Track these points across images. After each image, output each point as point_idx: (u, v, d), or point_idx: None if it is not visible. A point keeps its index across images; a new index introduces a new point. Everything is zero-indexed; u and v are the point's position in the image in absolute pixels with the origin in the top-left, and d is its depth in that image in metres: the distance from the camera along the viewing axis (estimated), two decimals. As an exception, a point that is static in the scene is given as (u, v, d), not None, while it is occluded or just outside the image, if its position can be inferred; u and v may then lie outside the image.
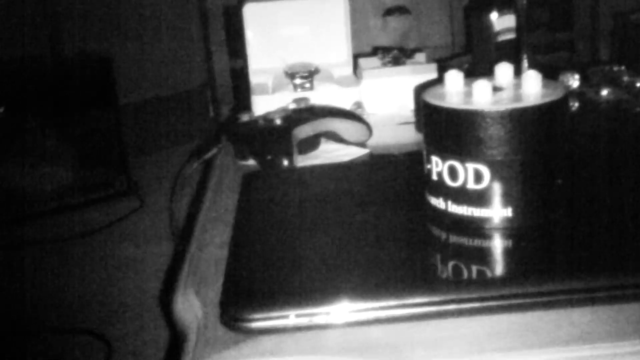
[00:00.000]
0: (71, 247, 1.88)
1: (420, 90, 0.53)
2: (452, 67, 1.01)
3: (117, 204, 2.13)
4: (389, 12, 2.24)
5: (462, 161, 0.49)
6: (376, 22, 2.22)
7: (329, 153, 0.81)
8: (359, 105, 0.94)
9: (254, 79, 0.99)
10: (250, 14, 1.01)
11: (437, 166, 0.51)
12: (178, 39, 2.53)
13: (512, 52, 0.77)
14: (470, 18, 0.75)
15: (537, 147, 0.49)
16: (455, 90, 0.52)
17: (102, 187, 2.18)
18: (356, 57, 1.05)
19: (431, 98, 0.51)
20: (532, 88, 0.50)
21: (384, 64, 1.01)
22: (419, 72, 0.97)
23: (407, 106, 0.95)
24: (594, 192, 0.57)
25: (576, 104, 0.95)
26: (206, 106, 2.42)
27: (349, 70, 1.01)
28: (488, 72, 0.81)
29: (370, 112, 0.95)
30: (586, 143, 0.74)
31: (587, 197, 0.56)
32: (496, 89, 0.51)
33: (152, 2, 2.48)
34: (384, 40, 2.17)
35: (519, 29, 0.73)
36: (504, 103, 0.49)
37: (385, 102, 0.96)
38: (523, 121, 0.48)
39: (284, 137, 0.75)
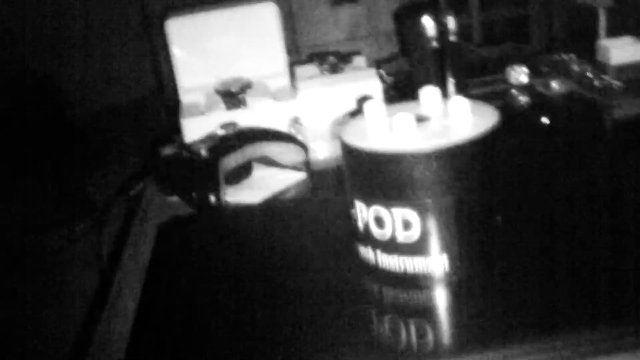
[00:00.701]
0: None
1: (340, 125, 0.47)
2: (389, 73, 0.95)
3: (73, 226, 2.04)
4: (337, 1, 2.16)
5: (388, 207, 0.43)
6: (324, 13, 2.15)
7: (263, 181, 0.75)
8: (296, 120, 0.87)
9: (184, 98, 0.93)
10: (174, 29, 0.93)
11: (362, 212, 0.45)
12: (124, 49, 2.45)
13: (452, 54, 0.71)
14: (402, 23, 0.69)
15: (469, 185, 0.43)
16: (377, 125, 0.46)
17: (58, 210, 2.10)
18: (293, 65, 0.99)
19: (350, 137, 0.45)
20: (461, 118, 0.44)
21: (322, 72, 0.95)
22: (359, 79, 0.91)
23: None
24: (549, 225, 0.51)
25: (525, 99, 0.89)
26: (158, 114, 2.34)
27: (285, 81, 0.94)
28: (426, 78, 0.75)
29: (310, 127, 0.88)
30: (538, 153, 0.68)
31: (539, 234, 0.49)
32: (421, 119, 0.45)
33: (91, 12, 2.39)
34: (333, 33, 2.10)
35: (444, 44, 0.68)
36: (430, 140, 0.42)
37: (324, 114, 0.90)
38: (452, 160, 0.42)
39: (208, 170, 0.69)
